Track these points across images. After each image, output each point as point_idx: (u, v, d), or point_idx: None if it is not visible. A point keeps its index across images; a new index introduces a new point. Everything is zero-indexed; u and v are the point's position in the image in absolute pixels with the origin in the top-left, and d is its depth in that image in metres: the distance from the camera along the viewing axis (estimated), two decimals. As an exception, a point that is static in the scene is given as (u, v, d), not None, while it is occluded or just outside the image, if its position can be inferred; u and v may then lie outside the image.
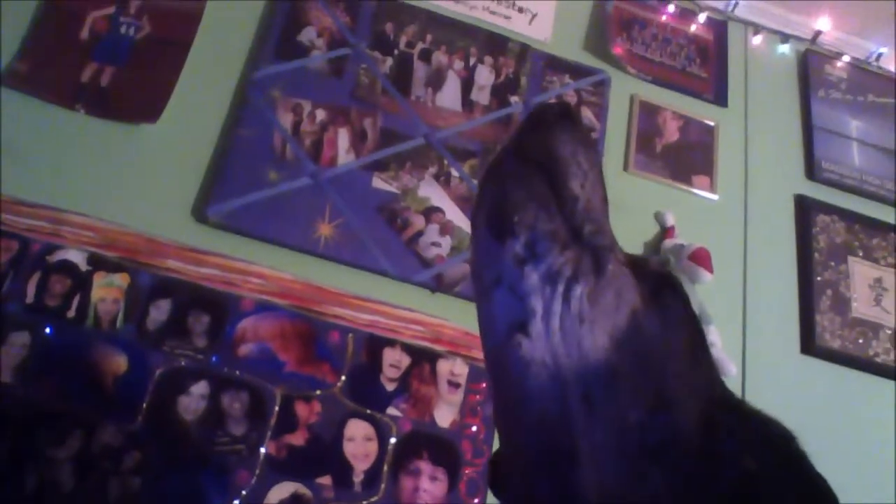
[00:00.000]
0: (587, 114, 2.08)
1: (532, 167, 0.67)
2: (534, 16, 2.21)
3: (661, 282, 0.66)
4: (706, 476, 0.59)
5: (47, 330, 1.51)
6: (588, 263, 0.63)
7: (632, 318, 0.62)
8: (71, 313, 1.54)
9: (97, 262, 1.59)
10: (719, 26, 2.40)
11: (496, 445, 1.62)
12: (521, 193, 0.66)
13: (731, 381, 1.82)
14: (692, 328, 0.65)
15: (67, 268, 1.56)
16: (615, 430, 0.60)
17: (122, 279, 1.59)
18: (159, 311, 1.58)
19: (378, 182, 1.83)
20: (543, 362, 0.62)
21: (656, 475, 0.58)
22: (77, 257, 1.58)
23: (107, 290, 1.57)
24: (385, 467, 1.57)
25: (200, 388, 1.54)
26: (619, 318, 0.62)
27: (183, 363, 1.55)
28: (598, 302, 0.62)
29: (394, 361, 1.66)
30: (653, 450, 0.59)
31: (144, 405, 1.49)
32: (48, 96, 1.72)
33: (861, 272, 2.12)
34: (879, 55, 2.48)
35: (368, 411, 1.61)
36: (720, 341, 1.81)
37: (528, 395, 0.62)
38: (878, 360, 2.01)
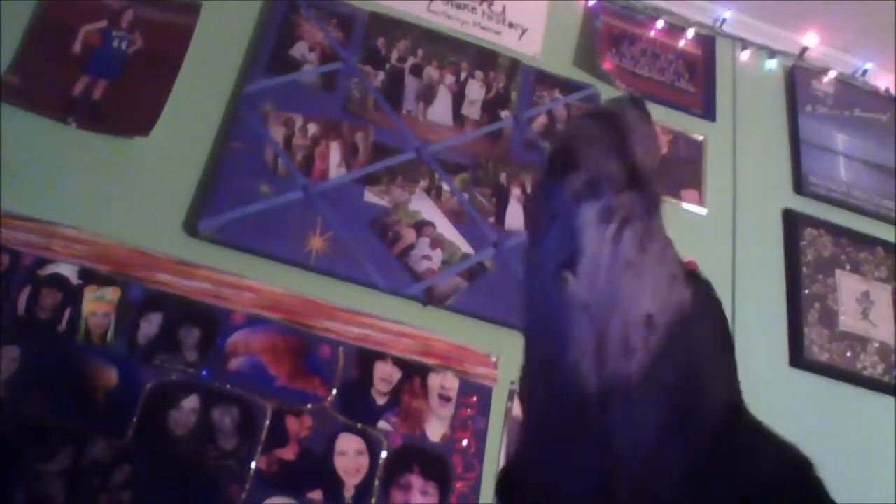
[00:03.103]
0: (577, 128, 2.09)
1: (602, 119, 0.70)
2: (524, 31, 2.23)
3: (699, 279, 0.69)
4: (719, 469, 0.60)
5: (38, 343, 1.51)
6: (641, 208, 0.66)
7: (671, 283, 0.64)
8: (62, 327, 1.54)
9: (88, 276, 1.59)
10: (707, 42, 2.42)
11: (487, 460, 1.64)
12: (585, 136, 0.69)
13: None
14: (723, 327, 0.68)
15: (58, 281, 1.56)
16: (648, 379, 0.61)
17: (112, 293, 1.59)
18: (150, 325, 1.58)
19: (369, 196, 1.84)
20: (586, 304, 0.63)
21: (677, 444, 0.59)
22: (68, 271, 1.58)
23: (97, 304, 1.57)
24: (376, 482, 1.57)
25: (191, 402, 1.54)
26: (661, 278, 0.64)
27: (173, 377, 1.55)
28: (646, 250, 0.64)
29: (385, 375, 1.66)
30: (678, 412, 0.60)
31: (135, 419, 1.49)
32: (40, 109, 1.72)
33: (848, 285, 2.14)
34: (865, 71, 2.51)
35: (359, 425, 1.61)
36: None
37: (568, 335, 0.63)
38: (866, 373, 2.02)
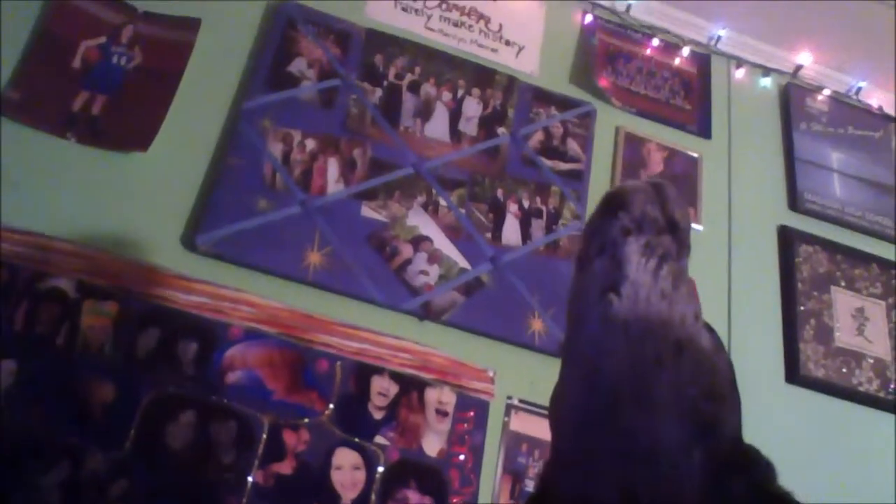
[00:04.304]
0: (573, 145, 2.11)
1: (646, 185, 0.83)
2: (521, 49, 2.25)
3: (712, 329, 0.78)
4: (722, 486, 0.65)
5: (36, 357, 1.51)
6: (675, 250, 0.78)
7: (695, 319, 0.74)
8: (60, 340, 1.54)
9: (86, 290, 1.59)
10: (703, 60, 2.44)
11: (483, 475, 1.64)
12: (635, 187, 0.83)
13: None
14: (732, 374, 0.76)
15: (56, 295, 1.57)
16: (676, 394, 0.69)
17: (110, 307, 1.59)
18: (148, 339, 1.59)
19: (367, 211, 1.85)
20: (626, 322, 0.72)
21: (700, 454, 0.65)
22: (66, 285, 1.58)
23: (96, 318, 1.57)
24: (373, 496, 1.57)
25: (188, 416, 1.54)
26: (688, 313, 0.74)
27: (171, 391, 1.55)
28: (678, 287, 0.75)
29: (382, 389, 1.67)
30: (700, 426, 0.67)
31: (132, 433, 1.49)
32: (39, 124, 1.73)
33: (844, 302, 2.15)
34: (859, 89, 2.53)
35: (356, 440, 1.61)
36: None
37: (607, 349, 0.73)
38: (862, 388, 2.03)
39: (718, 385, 0.71)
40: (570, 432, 0.76)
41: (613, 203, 0.81)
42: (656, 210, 0.80)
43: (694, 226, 2.13)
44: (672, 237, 0.79)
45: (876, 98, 2.54)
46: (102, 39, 1.88)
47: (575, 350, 0.79)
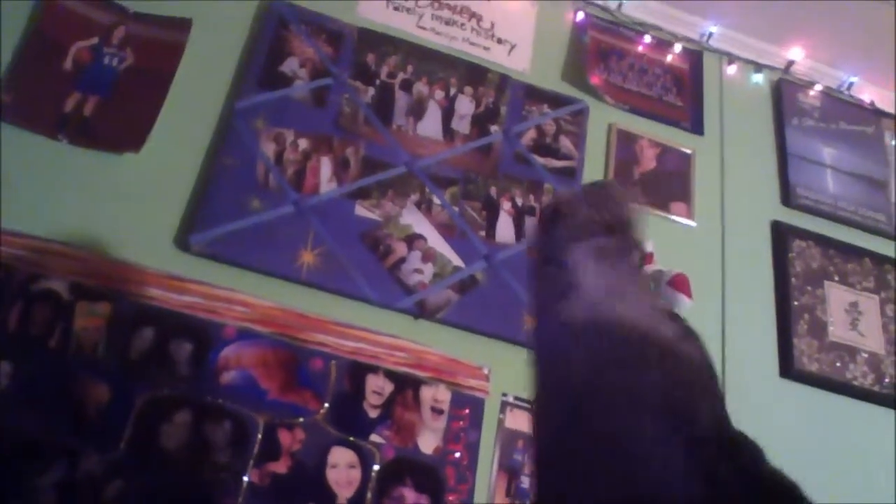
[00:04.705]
0: (566, 142, 2.11)
1: (586, 189, 0.84)
2: (513, 47, 2.25)
3: (679, 317, 0.76)
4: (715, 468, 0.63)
5: (29, 359, 1.51)
6: (622, 250, 0.77)
7: (654, 313, 0.73)
8: (53, 342, 1.53)
9: (80, 291, 1.59)
10: (694, 56, 2.45)
11: (480, 471, 1.64)
12: (572, 194, 0.82)
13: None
14: (707, 360, 0.74)
15: (50, 297, 1.56)
16: (640, 388, 0.67)
17: (104, 308, 1.59)
18: (142, 340, 1.58)
19: (360, 210, 1.85)
20: (580, 327, 0.72)
21: (677, 445, 0.63)
22: (59, 286, 1.58)
23: (89, 319, 1.57)
24: (368, 494, 1.57)
25: (183, 416, 1.54)
26: (644, 307, 0.73)
27: (165, 391, 1.55)
28: (628, 283, 0.74)
29: (377, 388, 1.67)
30: (672, 415, 0.65)
31: (127, 434, 1.48)
32: (31, 126, 1.73)
33: (837, 296, 2.15)
34: (851, 84, 2.54)
35: (352, 438, 1.61)
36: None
37: (570, 358, 0.71)
38: (856, 383, 2.04)
39: (687, 372, 0.70)
40: (542, 439, 0.76)
41: (553, 214, 0.81)
42: (597, 213, 0.80)
43: (687, 221, 2.14)
44: (617, 236, 0.78)
45: (868, 93, 2.55)
46: (94, 40, 1.87)
47: (538, 360, 0.78)
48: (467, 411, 1.69)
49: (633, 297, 0.74)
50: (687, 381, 0.69)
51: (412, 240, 1.85)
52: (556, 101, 2.18)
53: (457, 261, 1.85)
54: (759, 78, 2.49)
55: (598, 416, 0.68)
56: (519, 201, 1.98)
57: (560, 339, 0.74)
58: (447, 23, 2.22)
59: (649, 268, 1.97)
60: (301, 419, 1.59)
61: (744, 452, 0.65)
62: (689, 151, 2.26)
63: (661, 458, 0.64)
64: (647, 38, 2.41)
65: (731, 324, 2.03)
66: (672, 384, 0.67)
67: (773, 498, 0.63)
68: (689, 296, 1.88)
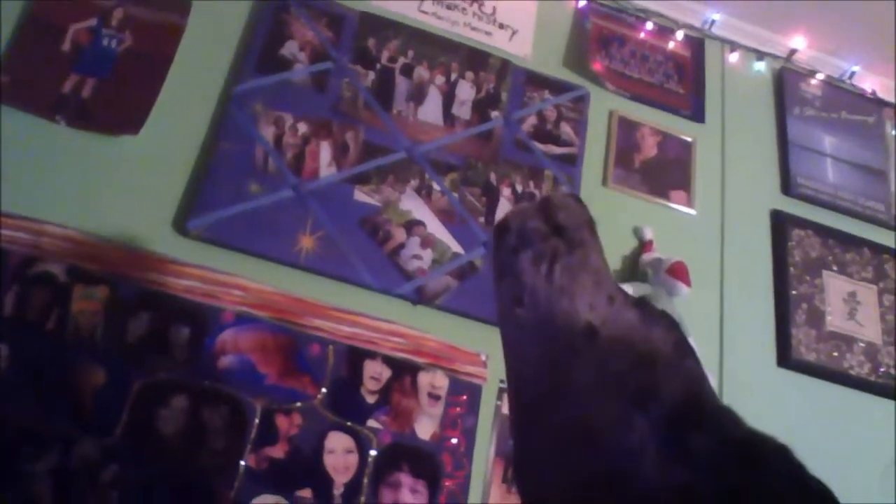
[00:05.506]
0: (566, 129, 2.10)
1: (529, 204, 0.91)
2: (514, 32, 2.24)
3: (647, 304, 0.81)
4: (692, 448, 0.66)
5: (26, 342, 1.51)
6: (565, 249, 0.82)
7: (611, 303, 0.79)
8: (50, 326, 1.53)
9: (77, 275, 1.58)
10: (696, 44, 2.44)
11: (476, 458, 1.64)
12: (513, 211, 0.91)
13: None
14: (677, 339, 0.77)
15: (47, 280, 1.56)
16: (599, 374, 0.72)
17: (101, 291, 1.58)
18: (139, 324, 1.58)
19: (360, 195, 1.84)
20: (534, 327, 0.79)
21: (643, 423, 0.67)
22: (57, 269, 1.57)
23: (86, 303, 1.57)
24: (365, 480, 1.57)
25: (180, 401, 1.53)
26: (597, 297, 0.78)
27: (163, 376, 1.54)
28: (576, 279, 0.80)
29: (374, 374, 1.67)
30: (634, 396, 0.69)
31: (123, 418, 1.48)
32: (29, 108, 1.71)
33: (835, 286, 2.15)
34: (853, 73, 2.53)
35: (349, 423, 1.61)
36: (698, 353, 1.83)
37: (528, 356, 0.80)
38: (853, 372, 2.04)
39: (649, 352, 0.73)
40: (514, 435, 0.82)
41: (499, 231, 0.89)
42: (538, 222, 0.86)
43: (687, 210, 2.14)
44: (560, 239, 0.84)
45: (869, 83, 2.54)
46: (93, 22, 1.86)
47: (506, 364, 0.85)
48: (465, 397, 1.70)
49: (585, 291, 0.79)
50: (649, 360, 0.73)
51: (411, 225, 1.84)
52: (558, 87, 2.17)
53: (456, 247, 1.85)
54: (760, 66, 2.48)
55: (561, 406, 0.74)
56: (519, 188, 1.97)
57: (519, 342, 0.82)
58: (449, 7, 2.20)
59: (648, 255, 1.98)
60: (299, 404, 1.59)
61: (710, 419, 0.68)
62: (689, 139, 2.25)
63: (625, 435, 0.67)
64: (649, 25, 2.40)
65: (730, 312, 2.03)
66: (630, 366, 0.72)
67: (751, 458, 0.65)
68: (688, 283, 1.88)
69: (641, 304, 0.80)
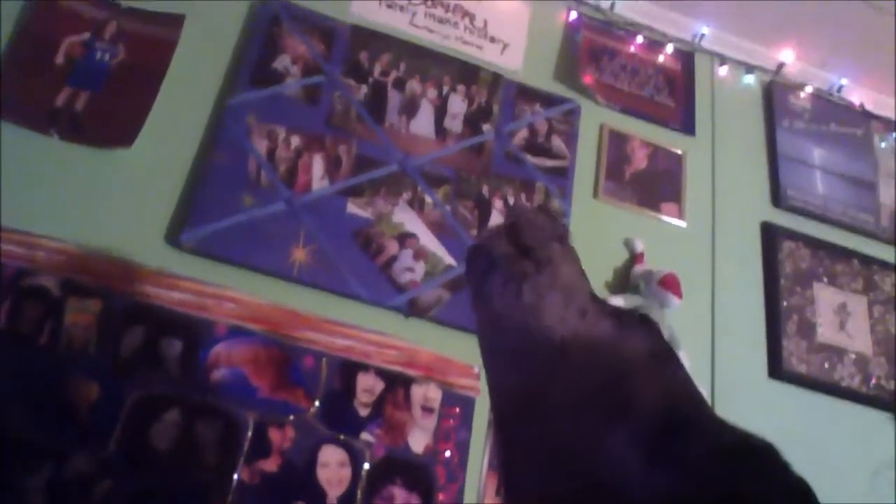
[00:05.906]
0: (557, 142, 2.11)
1: (498, 227, 0.93)
2: (505, 46, 2.25)
3: (625, 313, 0.82)
4: (678, 453, 0.66)
5: (19, 356, 1.50)
6: (532, 269, 0.83)
7: (584, 316, 0.79)
8: (43, 339, 1.53)
9: (70, 288, 1.58)
10: (686, 57, 2.46)
11: (470, 471, 1.64)
12: (482, 236, 0.93)
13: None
14: (652, 342, 0.78)
15: (40, 293, 1.56)
16: (573, 389, 0.74)
17: (94, 304, 1.58)
18: (132, 337, 1.58)
19: (352, 208, 1.85)
20: (505, 349, 0.82)
21: (623, 434, 0.67)
22: (50, 282, 1.57)
23: (79, 316, 1.56)
24: (359, 493, 1.57)
25: (173, 414, 1.53)
26: (567, 312, 0.79)
27: (156, 390, 1.54)
28: (544, 297, 0.81)
29: (367, 386, 1.67)
30: (610, 409, 0.70)
31: (117, 432, 1.48)
32: (22, 121, 1.72)
33: (826, 297, 2.17)
34: (841, 86, 2.55)
35: (342, 437, 1.61)
36: (688, 365, 1.84)
37: (496, 378, 0.84)
38: (844, 384, 2.05)
39: (623, 363, 0.74)
40: (499, 451, 0.86)
41: (470, 256, 0.92)
42: (506, 245, 0.87)
43: (678, 222, 2.15)
44: (528, 260, 0.85)
45: (857, 96, 2.57)
46: (86, 35, 1.86)
47: (487, 384, 0.87)
48: (458, 410, 1.70)
49: (555, 307, 0.80)
50: (624, 371, 0.74)
51: (404, 238, 1.85)
52: (549, 100, 2.19)
53: (448, 259, 1.85)
54: (750, 79, 2.50)
55: (537, 426, 0.75)
56: (511, 200, 1.98)
57: (495, 365, 0.85)
58: (440, 21, 2.22)
59: (639, 268, 1.99)
60: (292, 417, 1.59)
61: (688, 424, 0.69)
62: (679, 152, 2.27)
63: (606, 449, 0.67)
64: (640, 39, 2.42)
65: (721, 324, 2.04)
66: (604, 379, 0.73)
67: (738, 462, 0.65)
68: (679, 295, 1.89)
69: (617, 313, 0.81)
